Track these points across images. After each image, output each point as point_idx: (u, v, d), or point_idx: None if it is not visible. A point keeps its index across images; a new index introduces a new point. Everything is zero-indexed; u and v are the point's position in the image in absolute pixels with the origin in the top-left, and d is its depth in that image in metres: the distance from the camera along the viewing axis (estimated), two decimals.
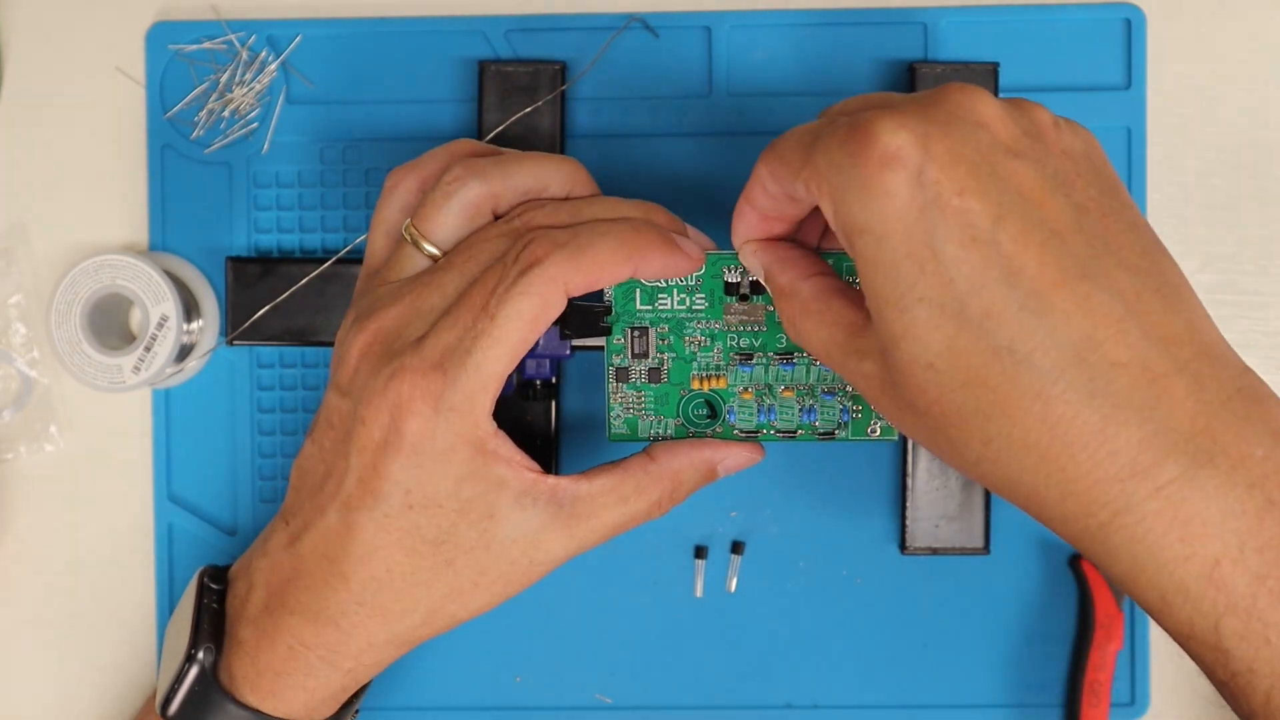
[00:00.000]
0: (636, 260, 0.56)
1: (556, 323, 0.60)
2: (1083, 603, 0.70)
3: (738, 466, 0.59)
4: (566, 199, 0.59)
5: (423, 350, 0.54)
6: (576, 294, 0.55)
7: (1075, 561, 0.70)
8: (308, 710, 0.59)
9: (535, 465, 0.57)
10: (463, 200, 0.57)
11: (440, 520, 0.55)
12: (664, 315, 0.60)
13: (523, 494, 0.56)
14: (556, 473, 0.68)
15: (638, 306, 0.60)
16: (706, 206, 0.69)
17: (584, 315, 0.59)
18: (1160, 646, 0.71)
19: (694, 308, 0.60)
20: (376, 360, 0.55)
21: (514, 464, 0.56)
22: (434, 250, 0.57)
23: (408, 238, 0.58)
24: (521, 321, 0.54)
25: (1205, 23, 0.70)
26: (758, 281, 0.59)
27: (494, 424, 0.55)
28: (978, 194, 0.48)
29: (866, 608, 0.70)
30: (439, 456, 0.54)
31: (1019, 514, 0.70)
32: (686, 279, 0.59)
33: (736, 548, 0.70)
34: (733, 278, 0.59)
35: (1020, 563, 0.70)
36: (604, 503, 0.57)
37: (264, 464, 0.71)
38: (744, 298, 0.60)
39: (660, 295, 0.60)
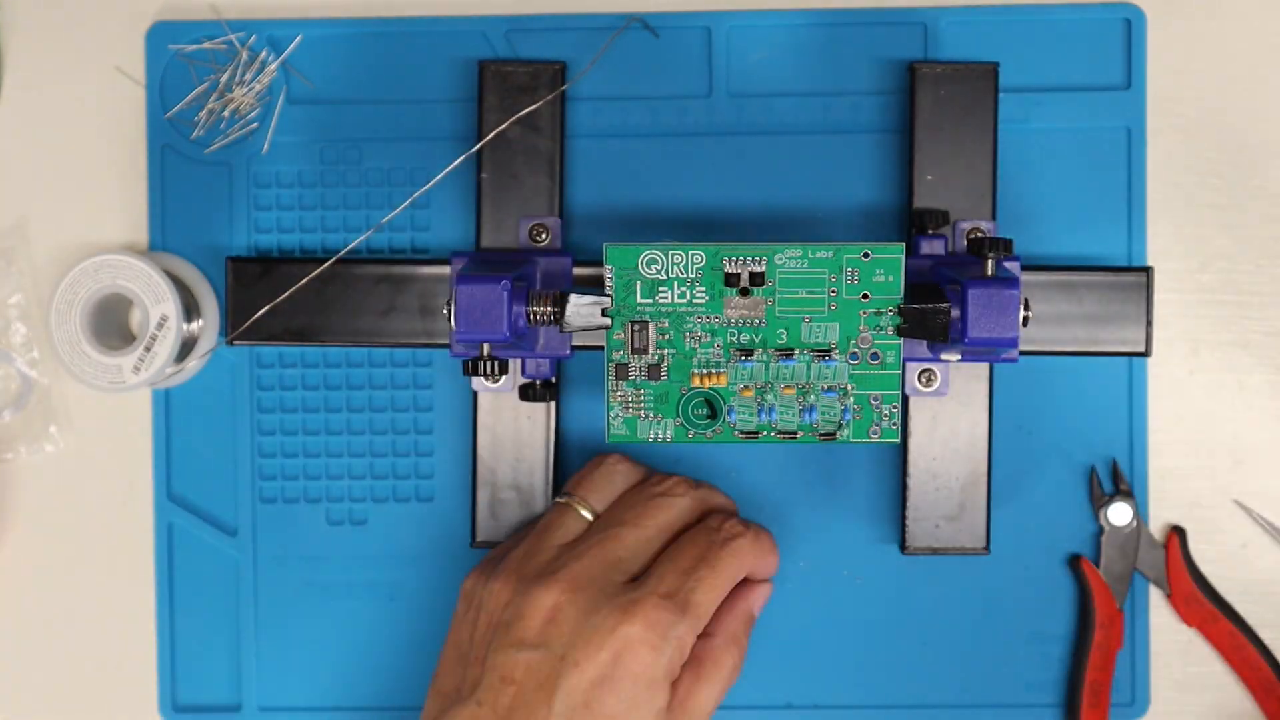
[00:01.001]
0: (774, 559, 0.66)
1: (554, 320, 0.60)
2: (1082, 603, 0.70)
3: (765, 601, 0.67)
4: (692, 480, 0.67)
5: (649, 586, 0.61)
6: (751, 574, 0.65)
7: (1074, 562, 0.70)
8: None
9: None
10: (622, 475, 0.67)
11: None
12: (664, 309, 0.60)
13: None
14: (558, 479, 0.68)
15: (638, 300, 0.60)
16: (707, 206, 0.69)
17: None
18: (1160, 647, 0.70)
19: (694, 301, 0.60)
20: (586, 605, 0.60)
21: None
22: (590, 515, 0.65)
23: (569, 502, 0.66)
24: (727, 578, 0.63)
25: (1205, 23, 0.70)
26: (757, 274, 0.59)
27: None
28: None
29: (866, 608, 0.70)
30: (654, 686, 0.60)
31: (1019, 514, 0.70)
32: (686, 271, 0.59)
33: None
34: (732, 269, 0.59)
35: (1020, 563, 0.70)
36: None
37: (264, 464, 0.71)
38: (744, 291, 0.60)
39: (660, 289, 0.60)
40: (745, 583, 0.65)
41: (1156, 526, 0.70)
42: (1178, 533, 0.70)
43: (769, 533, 0.67)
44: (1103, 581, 0.69)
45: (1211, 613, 0.69)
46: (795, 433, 0.61)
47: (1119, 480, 0.69)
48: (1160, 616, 0.70)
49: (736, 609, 0.65)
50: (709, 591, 0.61)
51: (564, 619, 0.60)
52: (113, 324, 0.70)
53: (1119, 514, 0.69)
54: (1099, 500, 0.69)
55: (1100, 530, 0.69)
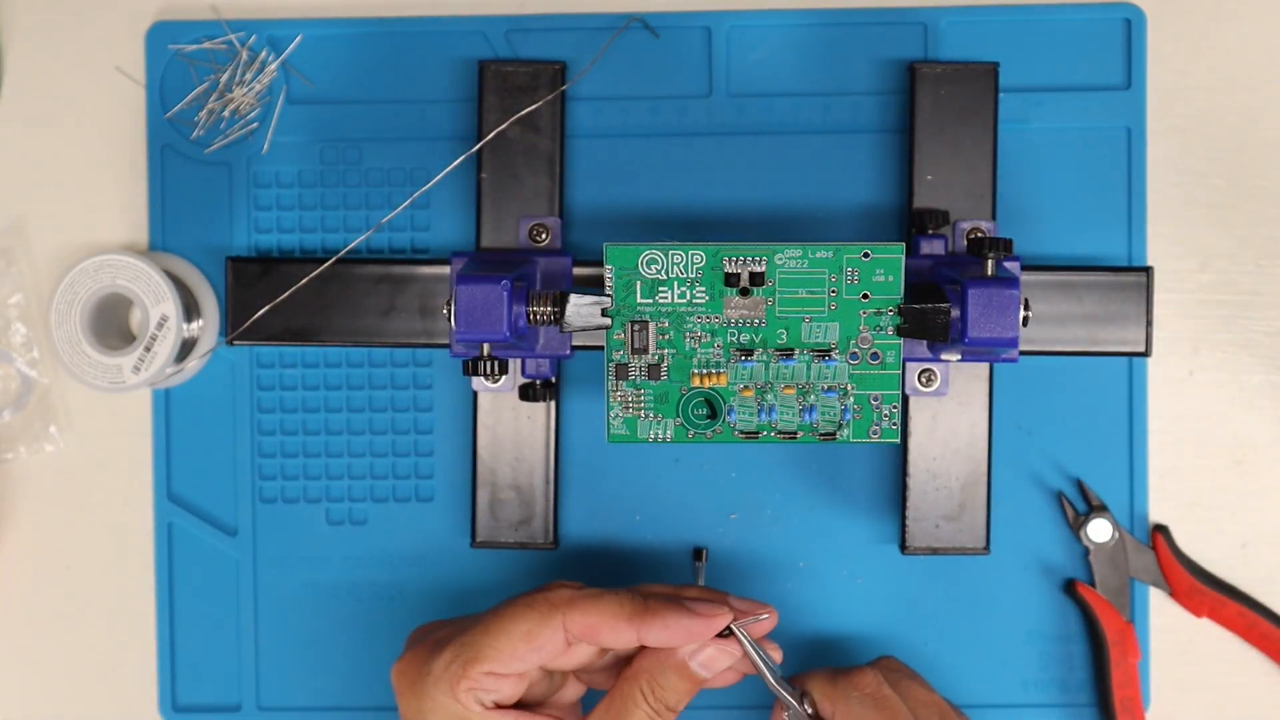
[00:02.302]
0: (638, 623, 0.60)
1: (554, 320, 0.60)
2: (1089, 625, 0.69)
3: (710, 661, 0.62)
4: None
5: (426, 640, 0.62)
6: (574, 632, 0.60)
7: (1070, 587, 0.70)
8: None
9: None
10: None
11: None
12: (664, 309, 0.60)
13: None
14: (558, 478, 0.68)
15: (638, 300, 0.60)
16: (707, 206, 0.69)
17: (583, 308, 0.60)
18: (1160, 647, 0.70)
19: (694, 301, 0.60)
20: (409, 678, 0.62)
21: None
22: None
23: None
24: (517, 626, 0.60)
25: (1205, 23, 0.70)
26: (757, 274, 0.59)
27: (488, 705, 0.60)
28: None
29: (866, 608, 0.70)
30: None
31: (1019, 514, 0.70)
32: (686, 271, 0.60)
33: (698, 554, 0.69)
34: (732, 269, 0.59)
35: (1020, 563, 0.70)
36: None
37: (264, 464, 0.71)
38: (744, 291, 0.60)
39: (660, 289, 0.60)
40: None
41: (1156, 528, 0.70)
42: (1162, 531, 0.70)
43: (644, 601, 0.61)
44: (1103, 600, 0.69)
45: (1217, 599, 0.69)
46: (795, 433, 0.61)
47: (1089, 498, 0.69)
48: (1161, 617, 0.70)
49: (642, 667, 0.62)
50: (481, 635, 0.60)
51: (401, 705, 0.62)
52: (113, 324, 0.70)
53: (1099, 530, 0.69)
54: (1076, 522, 0.69)
55: (1086, 550, 0.69)
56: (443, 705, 0.60)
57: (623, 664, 0.63)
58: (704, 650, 0.61)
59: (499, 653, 0.59)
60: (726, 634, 0.61)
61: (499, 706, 0.60)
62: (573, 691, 0.65)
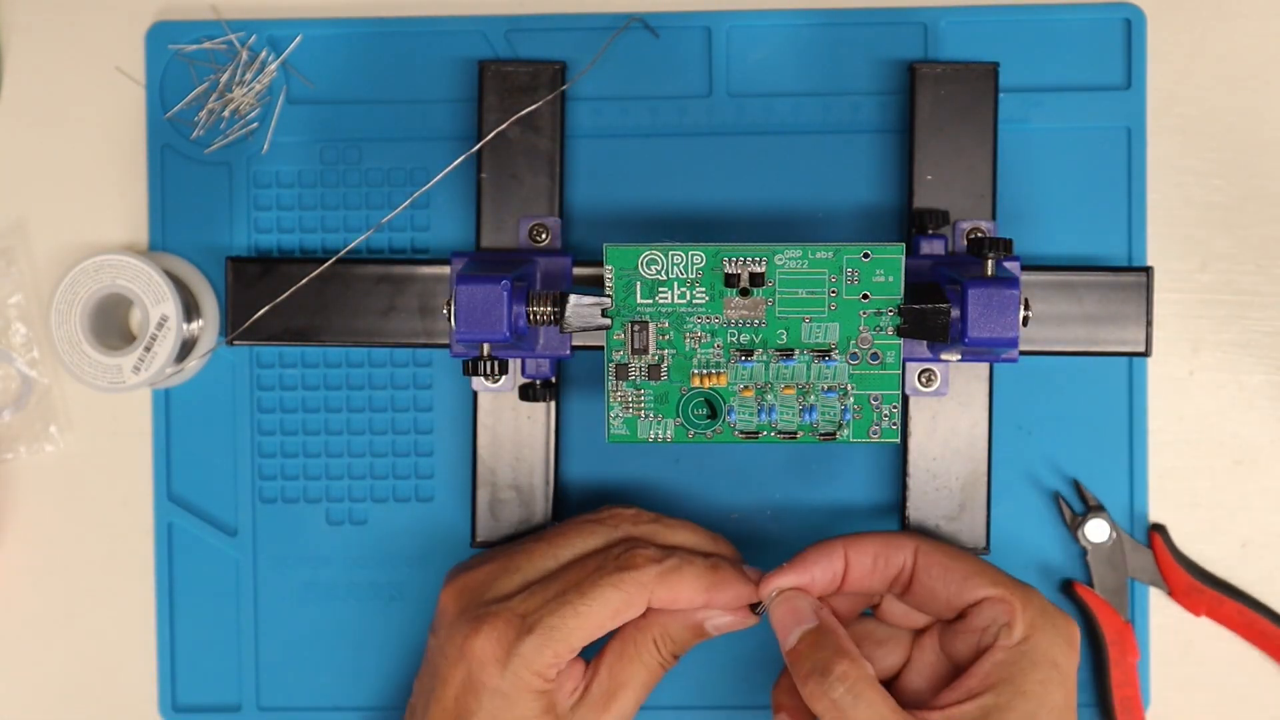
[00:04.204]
0: (712, 593, 0.62)
1: (554, 320, 0.60)
2: (1088, 625, 0.69)
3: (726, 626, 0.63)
4: (652, 515, 0.66)
5: (511, 603, 0.61)
6: (657, 606, 0.62)
7: (1068, 587, 0.70)
8: None
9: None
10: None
11: None
12: (664, 309, 0.60)
13: None
14: (558, 478, 0.68)
15: (638, 300, 0.60)
16: (707, 206, 0.69)
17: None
18: (1161, 647, 0.70)
19: (694, 301, 0.60)
20: (462, 605, 0.63)
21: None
22: None
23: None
24: (606, 608, 0.60)
25: (1205, 23, 0.70)
26: (757, 275, 0.59)
27: (568, 693, 0.62)
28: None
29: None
30: (510, 698, 0.60)
31: (1019, 514, 0.70)
32: (686, 271, 0.60)
33: None
34: (732, 270, 0.59)
35: (1020, 563, 0.70)
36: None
37: (264, 464, 0.71)
38: (744, 292, 0.60)
39: (660, 289, 0.60)
40: None
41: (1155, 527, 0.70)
42: (1159, 531, 0.70)
43: (714, 567, 0.62)
44: (1100, 599, 0.69)
45: (1216, 597, 0.69)
46: (795, 433, 0.61)
47: (1086, 498, 0.69)
48: (1161, 617, 0.70)
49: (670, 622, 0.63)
50: (571, 617, 0.60)
51: (447, 614, 0.63)
52: (113, 324, 0.70)
53: (1096, 531, 0.69)
54: (1073, 523, 0.69)
55: (1084, 551, 0.70)
56: (526, 683, 0.61)
57: None
58: (724, 617, 0.62)
59: (588, 635, 0.61)
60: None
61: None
62: None
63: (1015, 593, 0.60)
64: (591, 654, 0.64)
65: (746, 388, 0.60)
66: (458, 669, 0.61)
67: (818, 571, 0.61)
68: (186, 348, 0.69)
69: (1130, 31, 0.69)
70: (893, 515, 0.70)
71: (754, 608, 0.62)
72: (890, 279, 0.60)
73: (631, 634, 0.63)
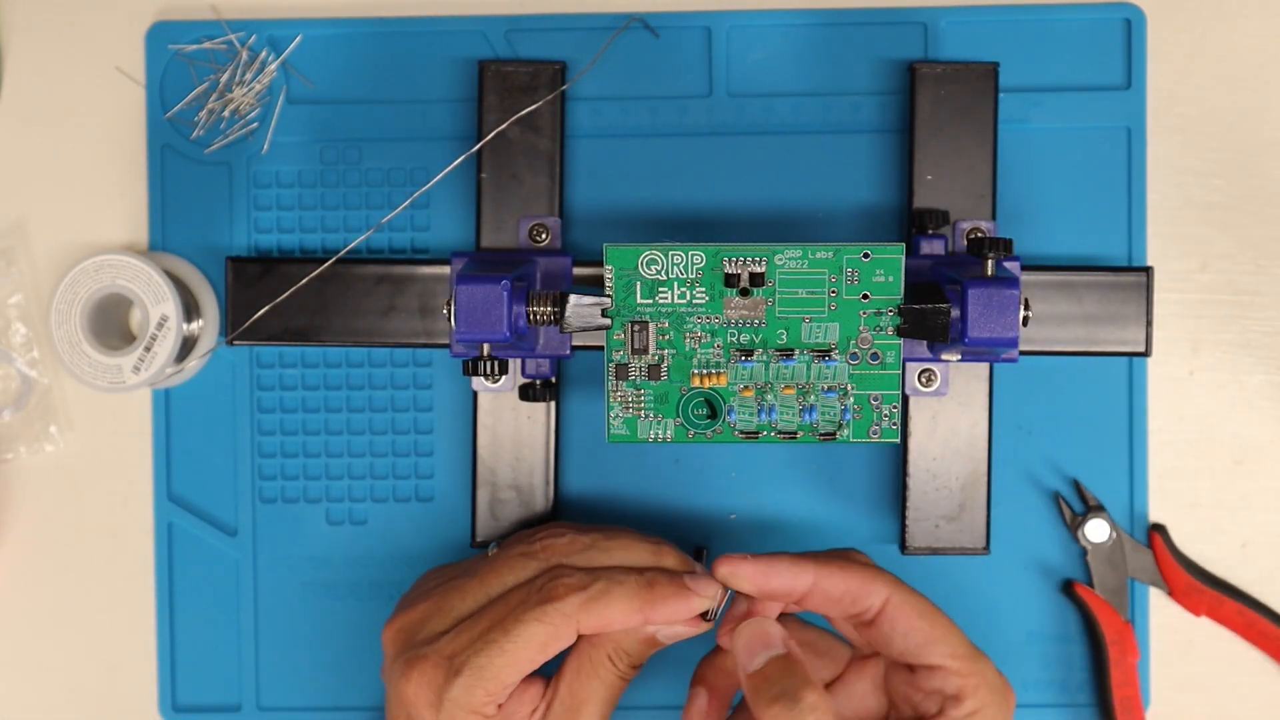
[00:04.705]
0: (648, 612, 0.60)
1: (554, 320, 0.60)
2: (1088, 625, 0.69)
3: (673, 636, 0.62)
4: (585, 531, 0.64)
5: (438, 645, 0.60)
6: (587, 633, 0.60)
7: (1068, 587, 0.70)
8: None
9: None
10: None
11: None
12: (664, 310, 0.60)
13: None
14: (558, 478, 0.68)
15: (638, 300, 0.60)
16: (707, 206, 0.69)
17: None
18: (1160, 647, 0.70)
19: (694, 301, 0.60)
20: (398, 648, 0.62)
21: None
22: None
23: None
24: (531, 644, 0.59)
25: (1205, 23, 0.70)
26: (757, 275, 0.59)
27: (527, 714, 0.61)
28: None
29: None
30: None
31: (1019, 514, 0.70)
32: (686, 271, 0.60)
33: (698, 554, 0.69)
34: (732, 270, 0.59)
35: (1020, 563, 0.70)
36: None
37: (264, 464, 0.71)
38: (744, 292, 0.60)
39: (660, 289, 0.60)
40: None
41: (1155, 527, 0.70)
42: (1159, 530, 0.70)
43: (648, 584, 0.61)
44: (1100, 599, 0.69)
45: (1216, 597, 0.69)
46: (795, 433, 0.61)
47: (1086, 498, 0.69)
48: (1161, 617, 0.70)
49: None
50: (497, 656, 0.59)
51: (387, 656, 0.63)
52: (113, 324, 0.70)
53: (1096, 531, 0.69)
54: (1073, 523, 0.69)
55: (1084, 551, 0.70)
56: None
57: None
58: (673, 627, 0.61)
59: (518, 671, 0.60)
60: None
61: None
62: None
63: (972, 666, 0.60)
64: (552, 670, 0.63)
65: (746, 388, 0.60)
66: (400, 713, 0.61)
67: (778, 583, 0.60)
68: (186, 348, 0.69)
69: (1130, 31, 0.69)
70: (893, 515, 0.70)
71: (705, 615, 0.61)
72: (890, 279, 0.60)
73: (586, 650, 0.62)
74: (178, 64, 0.71)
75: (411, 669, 0.60)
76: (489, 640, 0.60)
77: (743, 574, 0.60)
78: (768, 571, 0.60)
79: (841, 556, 0.62)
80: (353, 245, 0.69)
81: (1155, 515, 0.70)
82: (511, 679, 0.60)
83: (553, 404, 0.68)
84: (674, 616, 0.61)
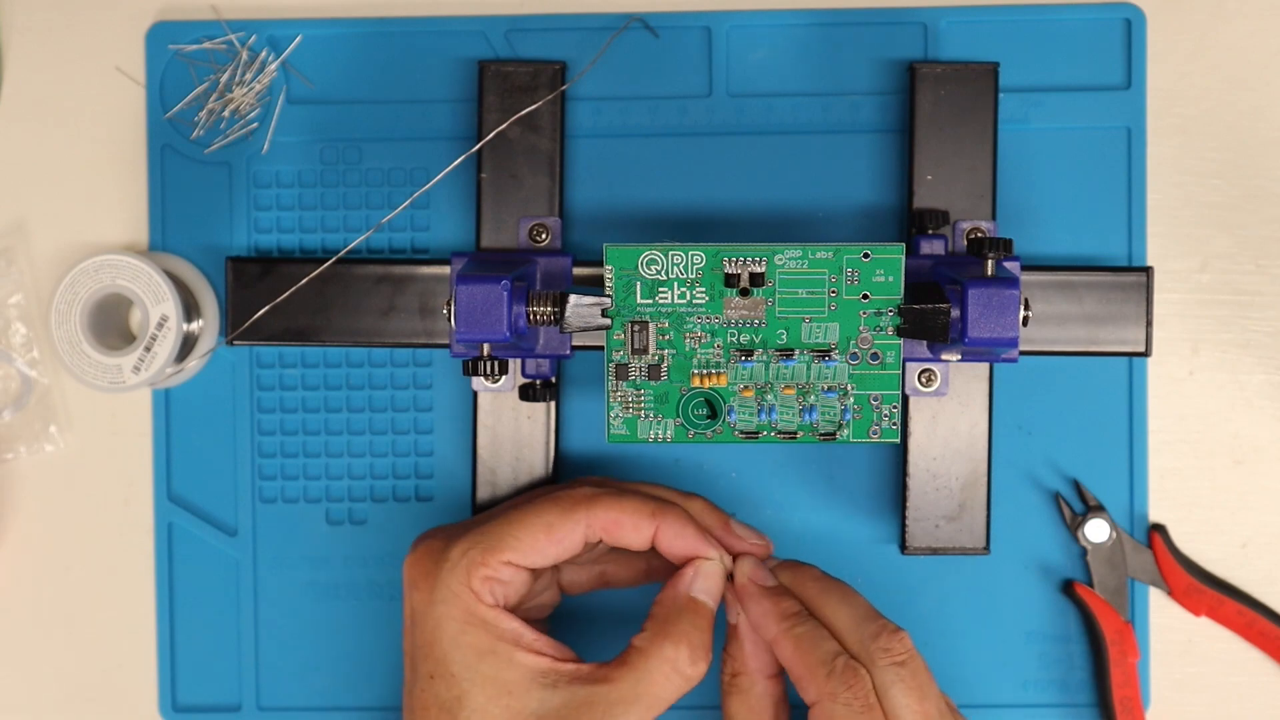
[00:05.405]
0: (659, 517, 0.61)
1: (554, 320, 0.60)
2: (1088, 625, 0.69)
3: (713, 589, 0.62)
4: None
5: (438, 532, 0.62)
6: (599, 527, 0.61)
7: (1068, 587, 0.70)
8: None
9: (557, 651, 0.60)
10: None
11: (455, 690, 0.59)
12: (664, 309, 0.60)
13: (539, 675, 0.59)
14: (558, 479, 0.68)
15: (638, 300, 0.60)
16: (707, 206, 0.69)
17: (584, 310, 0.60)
18: (1160, 647, 0.70)
19: (694, 301, 0.60)
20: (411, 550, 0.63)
21: (522, 643, 0.60)
22: None
23: None
24: (538, 519, 0.60)
25: (1205, 23, 0.70)
26: (757, 275, 0.59)
27: (496, 602, 0.60)
28: None
29: None
30: (435, 624, 0.60)
31: (1019, 514, 0.70)
32: (686, 271, 0.60)
33: None
34: (732, 270, 0.59)
35: (1020, 563, 0.70)
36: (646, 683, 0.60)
37: (264, 464, 0.71)
38: (744, 292, 0.60)
39: (660, 289, 0.60)
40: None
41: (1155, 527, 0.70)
42: (1159, 531, 0.70)
43: (660, 504, 0.62)
44: (1100, 599, 0.69)
45: (1216, 598, 0.69)
46: (795, 433, 0.61)
47: (1086, 498, 0.69)
48: (1161, 617, 0.70)
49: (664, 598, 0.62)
50: (501, 525, 0.60)
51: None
52: (113, 324, 0.70)
53: (1096, 531, 0.69)
54: (1073, 522, 0.69)
55: (1084, 551, 0.70)
56: (456, 594, 0.60)
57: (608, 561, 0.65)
58: (699, 578, 0.61)
59: (520, 542, 0.60)
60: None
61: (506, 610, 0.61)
62: (548, 599, 0.66)
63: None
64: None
65: (746, 388, 0.60)
66: (405, 606, 0.62)
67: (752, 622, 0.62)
68: (186, 348, 0.69)
69: (1130, 31, 0.69)
70: (893, 515, 0.70)
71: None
72: (890, 279, 0.60)
73: (642, 651, 0.60)
74: (178, 64, 0.71)
75: (416, 547, 0.61)
76: (494, 515, 0.61)
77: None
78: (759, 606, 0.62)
79: (854, 629, 0.60)
80: (353, 245, 0.69)
81: (1155, 515, 0.70)
82: (510, 551, 0.60)
83: (553, 404, 0.68)
84: (685, 540, 0.61)
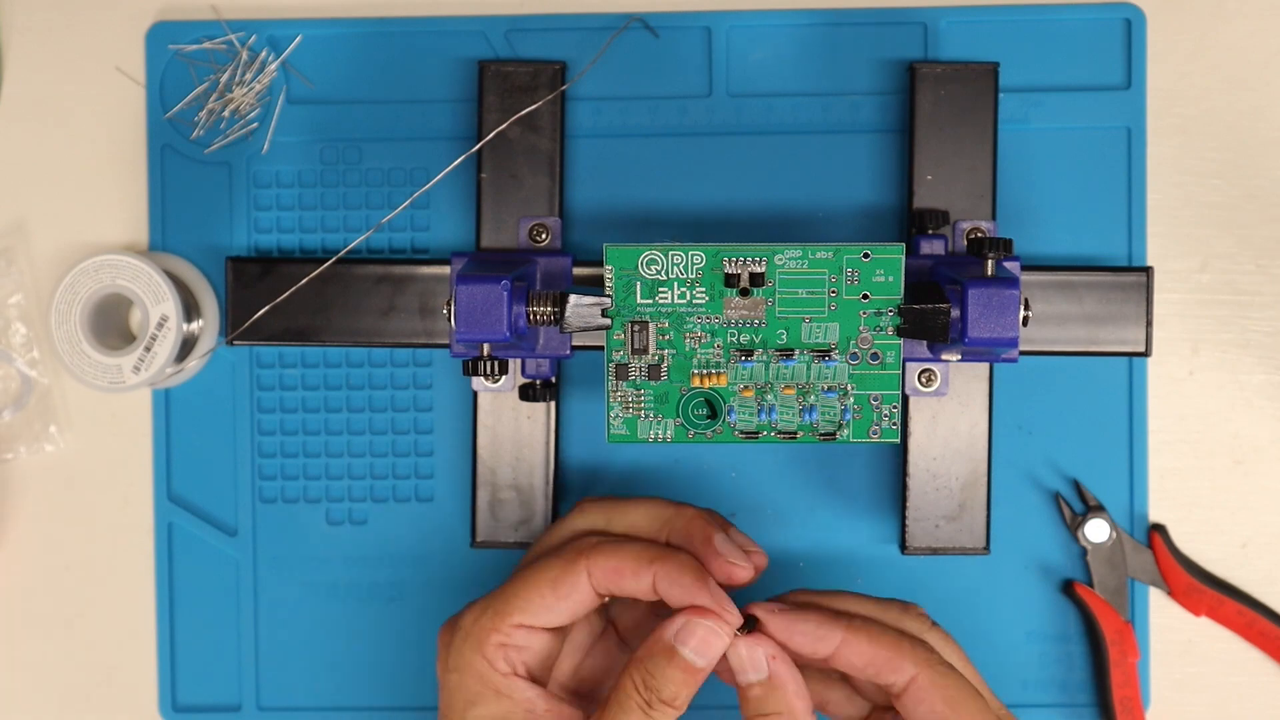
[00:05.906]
0: (658, 565, 0.58)
1: (554, 320, 0.60)
2: (1088, 625, 0.69)
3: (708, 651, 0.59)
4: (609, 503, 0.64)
5: (469, 604, 0.61)
6: (600, 574, 0.59)
7: (1068, 587, 0.70)
8: None
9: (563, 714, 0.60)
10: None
11: None
12: (664, 309, 0.60)
13: None
14: (558, 478, 0.68)
15: (638, 300, 0.60)
16: (707, 206, 0.69)
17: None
18: (1160, 647, 0.70)
19: (694, 301, 0.60)
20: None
21: (535, 713, 0.59)
22: None
23: None
24: (541, 578, 0.59)
25: (1205, 23, 0.70)
26: (757, 275, 0.59)
27: (512, 669, 0.60)
28: None
29: None
30: (449, 694, 0.60)
31: (1019, 514, 0.70)
32: (686, 271, 0.60)
33: None
34: (732, 270, 0.59)
35: (1020, 563, 0.70)
36: None
37: (264, 464, 0.71)
38: (744, 292, 0.60)
39: (660, 289, 0.60)
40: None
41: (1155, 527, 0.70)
42: (1159, 531, 0.70)
43: (659, 545, 0.60)
44: (1100, 599, 0.69)
45: (1216, 598, 0.69)
46: (795, 433, 0.61)
47: (1086, 498, 0.69)
48: (1161, 617, 0.70)
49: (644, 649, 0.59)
50: (508, 588, 0.60)
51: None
52: (113, 324, 0.70)
53: (1096, 531, 0.69)
54: (1073, 522, 0.69)
55: (1084, 551, 0.70)
56: (469, 663, 0.59)
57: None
58: (693, 635, 0.57)
59: (528, 603, 0.59)
60: (747, 628, 0.59)
61: (523, 677, 0.60)
62: (601, 662, 0.64)
63: None
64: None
65: (746, 388, 0.60)
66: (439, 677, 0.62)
67: (801, 640, 0.59)
68: (186, 348, 0.69)
69: (1130, 31, 0.69)
70: (893, 515, 0.70)
71: (742, 627, 0.58)
72: (890, 279, 0.60)
73: (618, 678, 0.59)
74: (178, 64, 0.71)
75: (443, 626, 0.62)
76: (505, 585, 0.60)
77: (771, 625, 0.59)
78: (790, 628, 0.59)
79: (880, 617, 0.60)
80: (353, 245, 0.69)
81: (1155, 515, 0.70)
82: (518, 611, 0.59)
83: (553, 404, 0.68)
84: (680, 589, 0.58)
